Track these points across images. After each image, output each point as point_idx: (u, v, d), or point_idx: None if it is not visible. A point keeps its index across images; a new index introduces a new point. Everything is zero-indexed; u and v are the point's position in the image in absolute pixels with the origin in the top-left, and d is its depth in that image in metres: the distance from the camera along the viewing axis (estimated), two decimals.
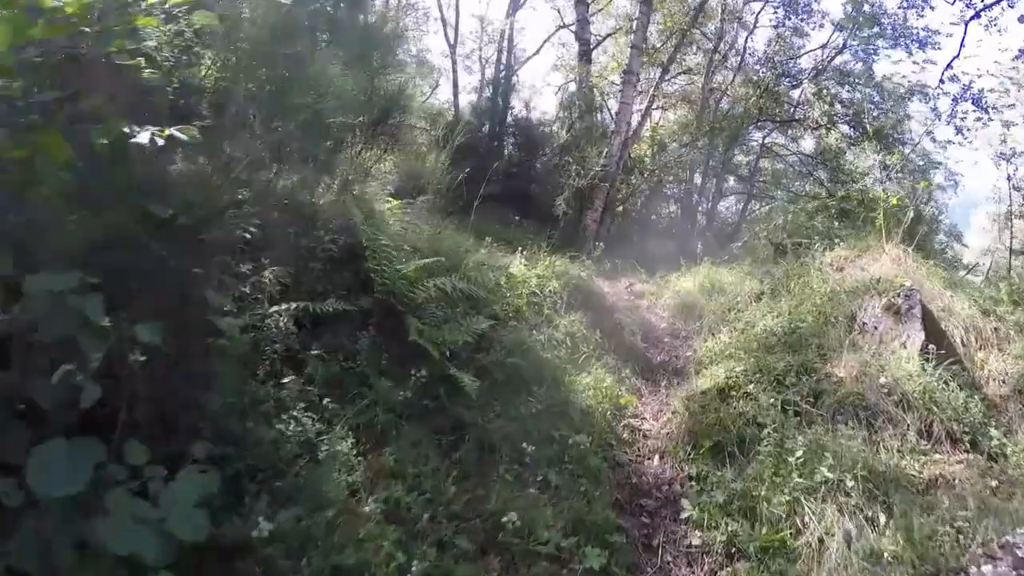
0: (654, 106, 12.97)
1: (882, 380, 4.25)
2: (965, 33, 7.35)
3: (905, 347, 4.57)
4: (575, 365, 4.98)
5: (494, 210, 11.24)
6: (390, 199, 7.84)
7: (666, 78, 11.27)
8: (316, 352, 4.09)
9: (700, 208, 15.68)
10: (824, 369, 4.53)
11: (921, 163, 13.80)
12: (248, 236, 3.97)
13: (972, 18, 7.75)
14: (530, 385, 4.53)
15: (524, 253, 6.75)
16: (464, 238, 7.77)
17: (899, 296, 4.80)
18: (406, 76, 7.65)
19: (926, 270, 5.54)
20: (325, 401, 3.64)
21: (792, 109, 14.79)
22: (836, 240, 7.66)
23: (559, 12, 15.18)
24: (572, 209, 8.78)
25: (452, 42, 14.85)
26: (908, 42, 13.33)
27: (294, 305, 4.18)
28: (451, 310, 4.76)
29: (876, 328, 4.82)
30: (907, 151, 12.78)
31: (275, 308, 4.15)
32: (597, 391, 4.67)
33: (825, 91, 12.90)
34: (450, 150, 9.27)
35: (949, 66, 7.93)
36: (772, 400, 4.24)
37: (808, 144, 16.48)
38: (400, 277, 4.58)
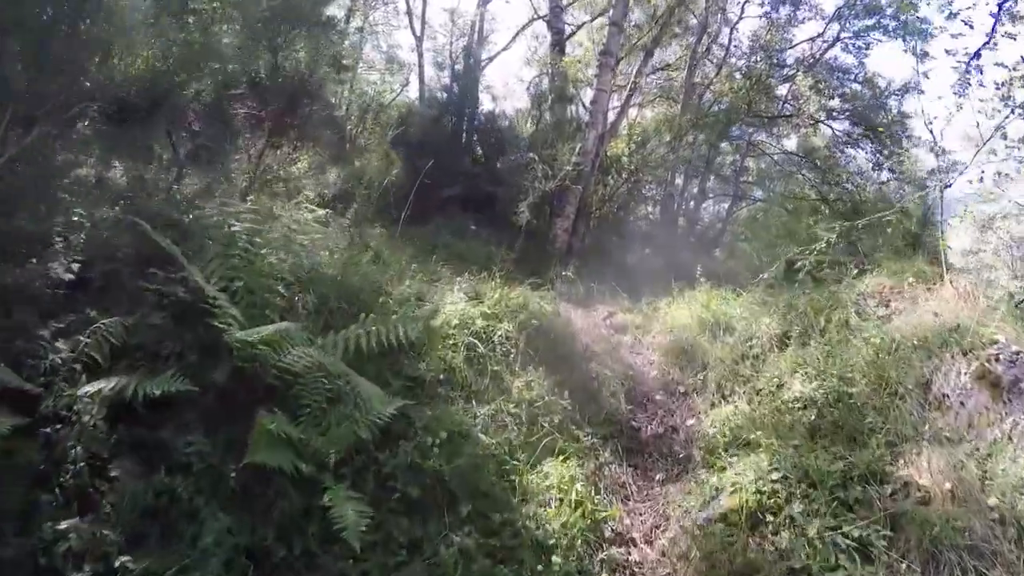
0: (633, 101, 11.50)
1: (991, 501, 2.79)
2: (998, 19, 5.96)
3: (1012, 439, 3.11)
4: (532, 453, 3.39)
5: (453, 216, 9.59)
6: (305, 210, 6.21)
7: (649, 64, 9.72)
8: (128, 467, 2.57)
9: (681, 210, 14.30)
10: (898, 472, 3.05)
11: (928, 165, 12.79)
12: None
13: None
14: (459, 502, 2.93)
15: (471, 280, 5.13)
16: (397, 259, 6.16)
17: (996, 359, 3.34)
18: (323, 53, 5.89)
19: (1005, 312, 4.12)
20: (122, 560, 2.24)
21: (781, 104, 13.52)
22: (863, 255, 6.33)
23: (532, 2, 13.59)
24: (537, 217, 7.18)
25: (418, 34, 13.34)
26: (906, 34, 12.18)
27: (111, 383, 2.60)
28: (343, 385, 3.10)
29: (963, 404, 3.35)
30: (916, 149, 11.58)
31: (85, 389, 2.59)
32: (563, 501, 3.09)
33: (823, 84, 11.60)
34: (385, 148, 7.55)
35: (977, 55, 6.55)
36: (828, 534, 2.73)
37: (797, 142, 15.36)
38: (260, 342, 2.91)
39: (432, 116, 10.47)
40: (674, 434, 4.07)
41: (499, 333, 4.14)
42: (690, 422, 4.16)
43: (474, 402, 3.66)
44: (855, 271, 5.29)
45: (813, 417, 3.62)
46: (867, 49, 12.79)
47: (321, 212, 7.08)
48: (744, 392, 4.10)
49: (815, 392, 3.72)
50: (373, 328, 3.15)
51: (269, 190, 6.94)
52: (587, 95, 9.93)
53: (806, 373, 3.96)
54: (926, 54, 11.81)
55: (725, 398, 4.19)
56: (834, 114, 11.95)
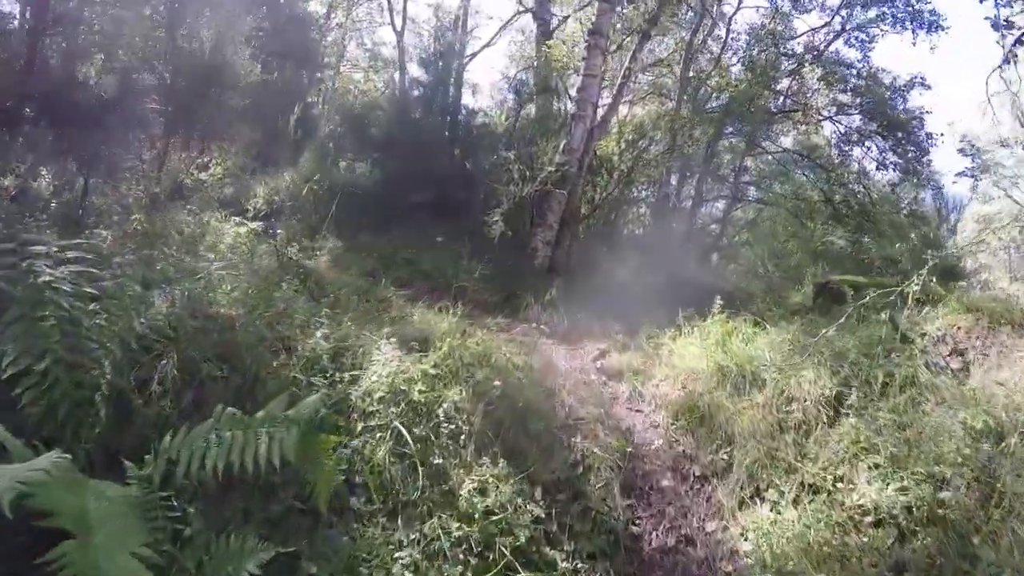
0: (625, 95, 10.29)
1: None
2: None
3: None
4: None
5: (422, 225, 8.36)
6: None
7: (645, 48, 8.53)
8: None
9: (676, 213, 13.16)
10: None
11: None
12: None
13: None
14: None
15: (427, 307, 3.95)
16: (337, 284, 4.97)
17: None
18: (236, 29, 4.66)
19: None
20: None
21: (783, 99, 12.43)
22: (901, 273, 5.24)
23: None
24: (515, 227, 5.99)
25: (399, 29, 12.47)
26: (916, 26, 11.12)
27: None
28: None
29: None
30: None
31: None
32: None
33: (834, 75, 10.50)
34: (320, 146, 6.41)
35: (1020, 41, 5.54)
36: None
37: (794, 140, 14.32)
38: None
39: (400, 113, 9.22)
40: (689, 547, 2.91)
41: (446, 405, 2.93)
42: (711, 527, 3.00)
43: (401, 521, 2.47)
44: (908, 299, 4.18)
45: (891, 541, 2.48)
46: (871, 42, 11.79)
47: (250, 228, 5.86)
48: (788, 488, 2.95)
49: (893, 500, 2.58)
50: (213, 448, 1.92)
51: (177, 202, 5.66)
52: (577, 93, 8.72)
53: (876, 465, 2.82)
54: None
55: (760, 493, 3.04)
56: (846, 108, 10.87)
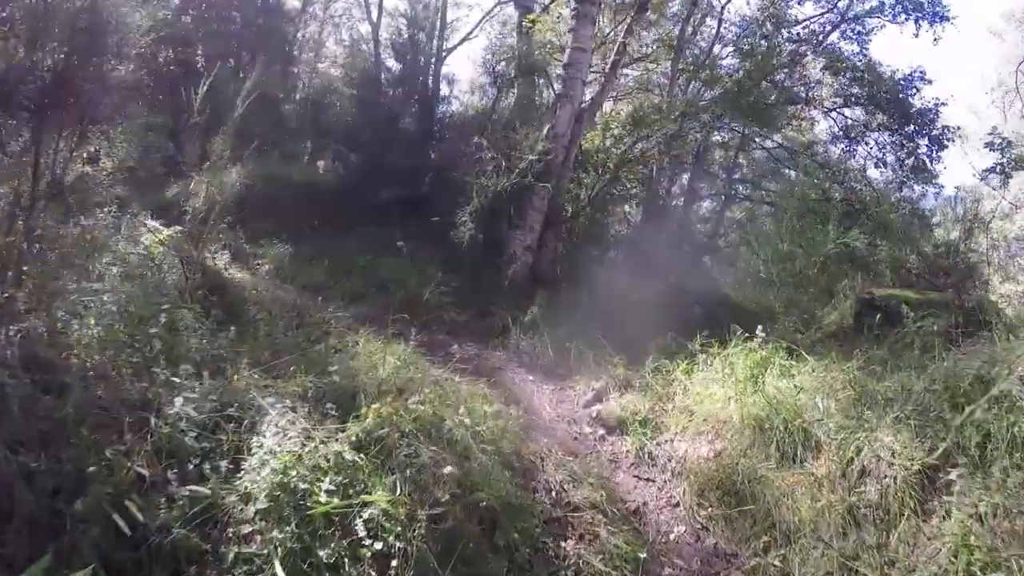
0: (614, 85, 9.29)
1: None
2: None
3: None
4: None
5: (392, 225, 7.26)
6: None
7: (643, 19, 7.54)
8: None
9: (668, 210, 12.25)
10: None
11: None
12: None
13: None
14: None
15: (372, 335, 2.92)
16: (272, 313, 3.91)
17: None
18: None
19: None
20: None
21: (783, 90, 11.57)
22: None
23: None
24: (490, 229, 4.96)
25: (375, 20, 11.40)
26: (919, 16, 10.34)
27: None
28: None
29: None
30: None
31: None
32: None
33: (840, 63, 9.65)
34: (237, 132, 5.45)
35: None
36: None
37: (793, 136, 13.52)
38: None
39: (365, 100, 8.12)
40: None
41: (369, 513, 1.89)
42: None
43: None
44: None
45: None
46: (868, 35, 10.99)
47: (167, 234, 4.73)
48: None
49: None
50: None
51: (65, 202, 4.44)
52: (564, 70, 7.66)
53: None
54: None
55: None
56: (852, 99, 10.04)
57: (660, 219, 11.38)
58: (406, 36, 9.47)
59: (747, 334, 4.00)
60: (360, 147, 7.67)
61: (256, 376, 2.72)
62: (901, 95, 9.31)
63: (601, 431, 3.26)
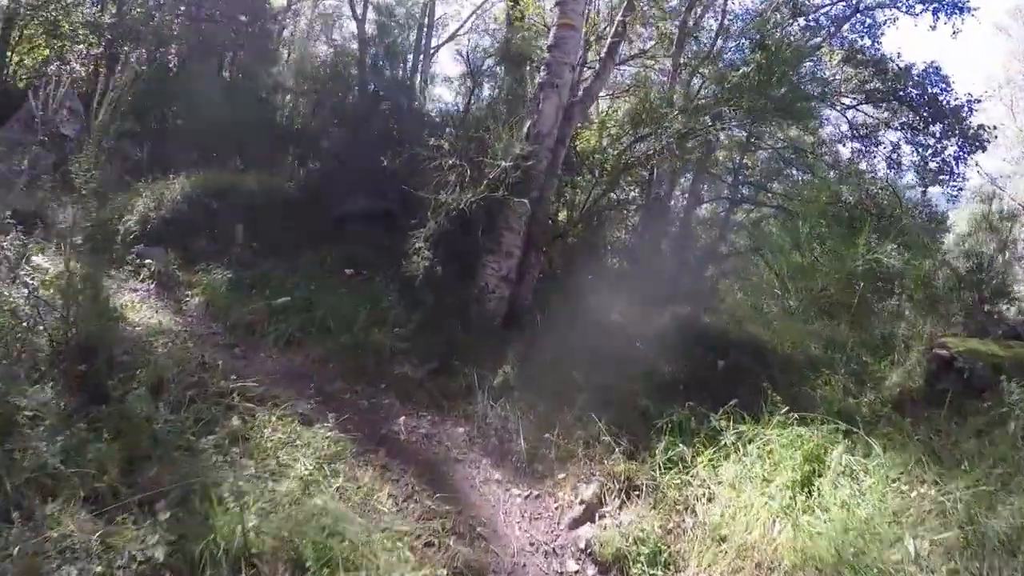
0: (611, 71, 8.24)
1: None
2: None
3: None
4: None
5: (351, 242, 6.21)
6: None
7: (639, 6, 6.48)
8: None
9: (669, 217, 11.23)
10: None
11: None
12: None
13: None
14: None
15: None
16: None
17: None
18: None
19: None
20: None
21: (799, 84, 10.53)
22: None
23: None
24: (452, 252, 3.92)
25: (359, 17, 10.47)
26: (937, 7, 9.34)
27: None
28: None
29: None
30: None
31: None
32: None
33: (861, 55, 8.64)
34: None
35: None
36: None
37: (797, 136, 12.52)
38: None
39: (327, 99, 7.05)
40: None
41: None
42: None
43: None
44: None
45: None
46: (880, 28, 9.97)
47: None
48: None
49: None
50: None
51: None
52: (548, 52, 6.53)
53: None
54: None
55: None
56: (876, 96, 9.02)
57: (662, 228, 10.37)
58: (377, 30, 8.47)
59: (785, 402, 3.01)
60: (320, 154, 6.61)
61: (86, 517, 1.76)
62: (932, 91, 8.32)
63: (593, 571, 2.22)
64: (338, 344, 4.08)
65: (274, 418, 2.81)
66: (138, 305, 4.86)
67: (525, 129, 4.32)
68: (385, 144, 5.85)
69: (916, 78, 8.38)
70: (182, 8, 9.52)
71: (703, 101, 8.77)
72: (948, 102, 8.18)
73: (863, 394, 3.37)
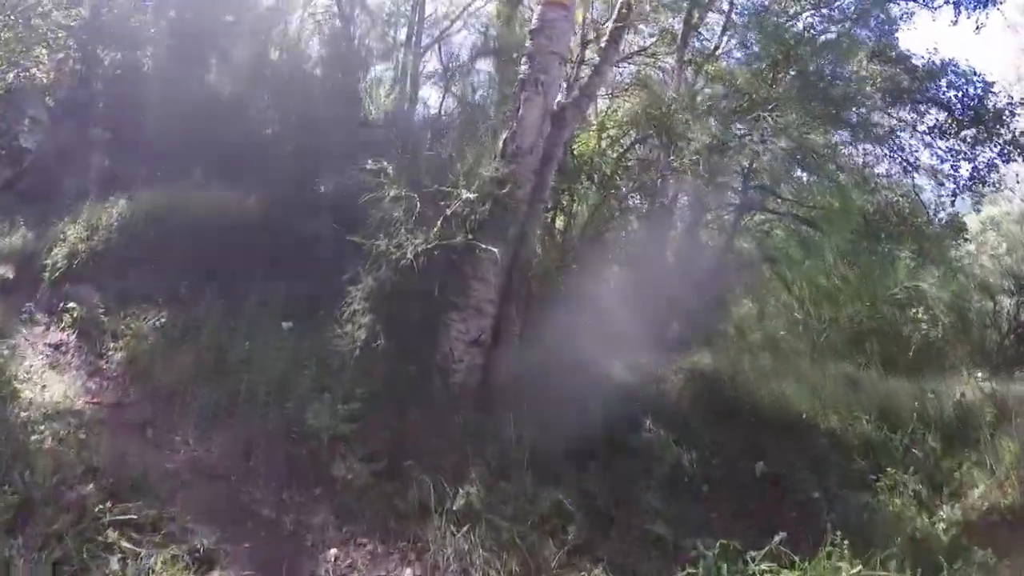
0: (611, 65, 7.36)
1: None
2: None
3: None
4: None
5: (292, 279, 5.31)
6: None
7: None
8: None
9: (675, 230, 10.37)
10: None
11: None
12: None
13: None
14: None
15: None
16: None
17: None
18: None
19: None
20: None
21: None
22: None
23: None
24: (387, 324, 3.04)
25: (347, 14, 9.80)
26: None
27: None
28: None
29: None
30: None
31: None
32: None
33: (890, 51, 7.77)
34: None
35: None
36: None
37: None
38: None
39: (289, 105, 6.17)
40: None
41: None
42: None
43: None
44: None
45: None
46: (894, 24, 9.06)
47: None
48: None
49: None
50: None
51: None
52: (530, 40, 5.40)
53: None
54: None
55: None
56: (905, 96, 8.13)
57: (666, 240, 9.48)
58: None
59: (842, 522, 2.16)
60: (277, 170, 5.75)
61: None
62: (973, 92, 7.44)
63: None
64: (269, 426, 3.23)
65: (160, 563, 2.02)
66: (42, 372, 4.12)
67: (500, 143, 3.43)
68: (321, 165, 4.95)
69: (953, 77, 7.52)
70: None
71: (737, 104, 7.97)
72: (993, 105, 7.26)
73: (939, 507, 2.51)
